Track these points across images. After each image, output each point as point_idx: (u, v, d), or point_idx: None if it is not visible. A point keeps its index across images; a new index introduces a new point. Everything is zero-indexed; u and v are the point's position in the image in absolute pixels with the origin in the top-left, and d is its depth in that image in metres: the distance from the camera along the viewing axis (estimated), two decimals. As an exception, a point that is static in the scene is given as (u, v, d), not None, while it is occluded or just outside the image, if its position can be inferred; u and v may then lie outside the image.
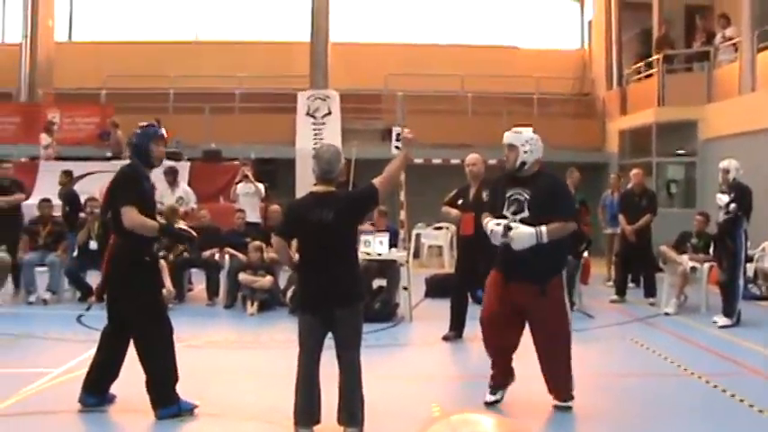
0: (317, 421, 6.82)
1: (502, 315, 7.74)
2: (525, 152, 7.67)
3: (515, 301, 7.64)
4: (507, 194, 7.68)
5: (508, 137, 7.78)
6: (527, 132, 7.82)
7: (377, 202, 7.14)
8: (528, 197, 7.57)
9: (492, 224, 7.58)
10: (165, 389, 7.33)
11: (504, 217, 7.58)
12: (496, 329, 7.81)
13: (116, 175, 7.49)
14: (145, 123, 7.79)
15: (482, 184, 10.82)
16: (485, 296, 7.94)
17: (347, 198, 7.14)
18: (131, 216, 7.20)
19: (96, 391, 7.54)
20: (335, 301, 6.78)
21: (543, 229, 7.36)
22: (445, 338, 11.20)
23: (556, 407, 7.80)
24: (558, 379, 7.82)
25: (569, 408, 7.78)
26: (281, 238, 7.17)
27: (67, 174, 18.10)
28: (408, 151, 7.38)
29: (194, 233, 7.95)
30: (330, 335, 6.87)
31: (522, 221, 7.50)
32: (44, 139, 22.22)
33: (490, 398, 7.91)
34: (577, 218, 15.90)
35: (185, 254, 14.43)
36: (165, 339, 7.41)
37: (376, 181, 6.99)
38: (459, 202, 11.27)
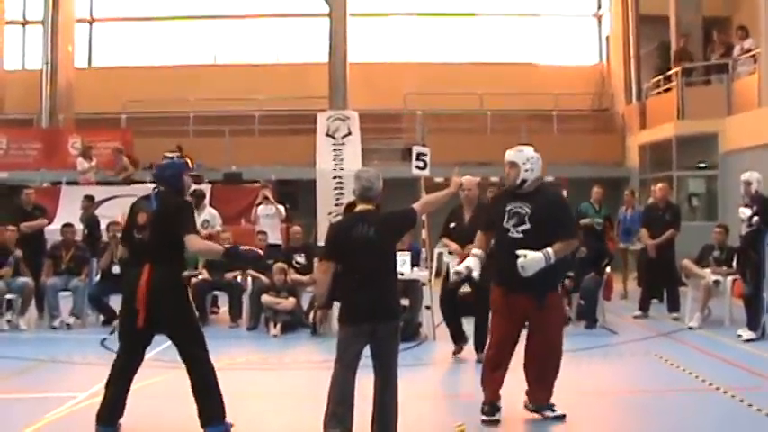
0: (349, 430, 6.88)
1: (510, 336, 7.90)
2: (526, 170, 7.84)
3: (517, 313, 7.79)
4: (507, 208, 7.82)
5: (510, 155, 7.95)
6: (528, 151, 7.97)
7: (414, 222, 7.39)
8: (529, 211, 7.72)
9: (462, 266, 8.05)
10: (220, 407, 7.34)
11: (506, 230, 7.74)
12: (508, 350, 7.92)
13: (170, 203, 7.44)
14: (170, 154, 7.87)
15: (478, 209, 10.86)
16: (493, 318, 8.04)
17: (387, 216, 7.30)
18: (196, 242, 7.37)
19: (109, 422, 7.52)
20: (379, 316, 6.96)
21: (550, 250, 7.52)
22: (455, 353, 11.23)
23: (546, 417, 7.93)
24: (543, 383, 8.00)
25: (563, 416, 7.92)
26: (327, 262, 7.18)
27: (90, 198, 18.19)
28: (456, 189, 7.86)
29: (260, 252, 8.01)
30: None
31: (525, 233, 7.65)
32: (81, 164, 22.14)
33: (491, 417, 7.91)
34: (603, 234, 16.11)
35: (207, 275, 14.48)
36: (210, 360, 7.45)
37: (416, 204, 7.36)
38: (452, 226, 11.26)
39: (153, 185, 7.72)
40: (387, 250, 7.13)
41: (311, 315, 13.36)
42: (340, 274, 7.12)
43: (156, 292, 7.25)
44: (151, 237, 7.36)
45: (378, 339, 6.98)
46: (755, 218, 12.34)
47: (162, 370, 9.33)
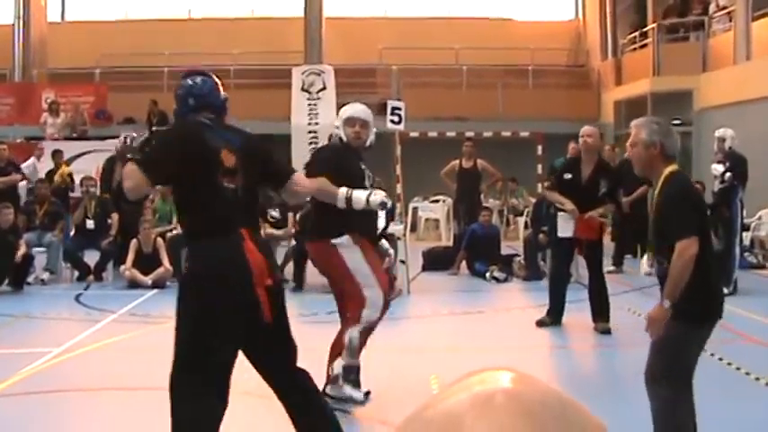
0: None
1: None
2: (373, 132, 7.44)
3: None
4: (362, 167, 7.26)
5: (365, 113, 7.42)
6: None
7: None
8: (371, 174, 7.29)
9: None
10: None
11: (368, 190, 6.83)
12: None
13: None
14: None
15: (599, 166, 10.16)
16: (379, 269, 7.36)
17: None
18: None
19: None
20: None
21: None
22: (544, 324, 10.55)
23: None
24: None
25: None
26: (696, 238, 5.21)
27: (58, 153, 18.02)
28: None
29: None
30: None
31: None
32: (44, 119, 21.99)
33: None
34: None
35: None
36: None
37: None
38: (568, 177, 10.16)
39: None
40: None
41: (286, 269, 13.39)
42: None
43: None
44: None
45: None
46: (728, 174, 12.42)
47: (135, 325, 9.36)
